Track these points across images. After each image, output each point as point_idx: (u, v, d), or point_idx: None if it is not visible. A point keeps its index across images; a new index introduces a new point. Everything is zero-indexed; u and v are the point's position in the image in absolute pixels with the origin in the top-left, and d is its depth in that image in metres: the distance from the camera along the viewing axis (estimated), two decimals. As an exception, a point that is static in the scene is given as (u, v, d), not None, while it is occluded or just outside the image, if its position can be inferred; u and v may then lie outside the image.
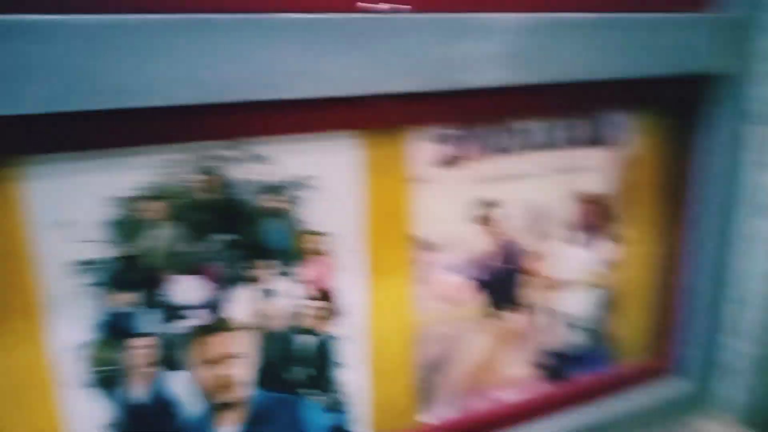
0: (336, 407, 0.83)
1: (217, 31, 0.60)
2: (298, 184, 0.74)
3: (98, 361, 0.69)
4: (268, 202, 0.73)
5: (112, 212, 0.66)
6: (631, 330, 1.05)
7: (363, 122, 0.73)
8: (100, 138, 0.62)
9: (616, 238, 0.98)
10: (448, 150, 0.81)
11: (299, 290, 0.77)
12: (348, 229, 0.78)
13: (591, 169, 0.92)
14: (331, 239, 0.77)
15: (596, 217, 0.94)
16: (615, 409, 1.01)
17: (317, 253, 0.77)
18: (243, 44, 0.61)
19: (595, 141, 0.91)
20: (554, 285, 0.94)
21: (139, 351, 0.70)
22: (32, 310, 0.65)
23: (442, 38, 0.69)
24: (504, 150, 0.84)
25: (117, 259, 0.67)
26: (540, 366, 0.98)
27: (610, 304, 1.01)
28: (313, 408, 0.82)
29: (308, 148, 0.73)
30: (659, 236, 1.02)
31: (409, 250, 0.82)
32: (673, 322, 1.05)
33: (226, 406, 0.76)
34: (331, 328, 0.80)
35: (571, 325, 0.99)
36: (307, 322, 0.79)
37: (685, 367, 1.06)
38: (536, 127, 0.85)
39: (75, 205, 0.64)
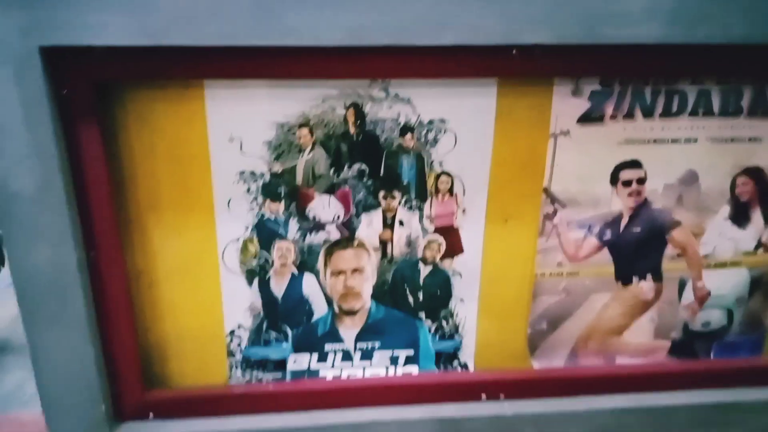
0: (445, 335, 0.91)
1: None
2: (433, 126, 0.79)
3: (249, 255, 0.83)
4: (404, 140, 0.79)
5: (272, 134, 0.78)
6: (788, 323, 0.96)
7: (500, 71, 0.75)
8: (266, 70, 0.73)
9: (783, 221, 0.89)
10: (593, 107, 0.79)
11: (423, 223, 0.84)
12: (476, 173, 0.82)
13: (761, 141, 0.83)
14: (458, 181, 0.82)
15: (759, 194, 0.86)
16: (750, 398, 0.95)
17: (445, 192, 0.82)
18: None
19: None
20: (700, 260, 0.89)
21: (281, 252, 0.83)
22: (206, 207, 0.81)
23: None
24: (655, 112, 0.80)
25: (271, 173, 0.79)
26: (670, 339, 0.95)
27: (766, 289, 0.93)
28: (423, 330, 0.90)
29: (446, 93, 0.77)
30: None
31: (539, 202, 0.84)
32: None
33: (348, 312, 0.88)
34: (447, 263, 0.86)
35: (716, 306, 0.93)
36: (427, 254, 0.86)
37: None
38: (696, 90, 0.80)
39: (244, 125, 0.77)
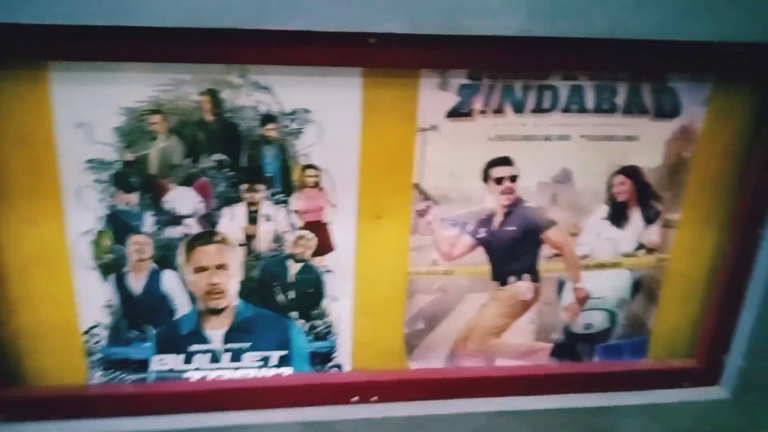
0: (319, 335, 0.87)
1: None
2: (296, 116, 0.75)
3: (103, 250, 0.78)
4: (265, 130, 0.75)
5: (122, 120, 0.73)
6: (671, 324, 0.95)
7: (363, 61, 0.72)
8: (114, 51, 0.69)
9: (662, 221, 0.87)
10: (462, 101, 0.77)
11: (291, 218, 0.80)
12: (344, 167, 0.79)
13: (638, 140, 0.82)
14: (326, 174, 0.79)
15: (638, 194, 0.85)
16: (632, 401, 0.94)
17: (311, 186, 0.79)
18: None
19: (647, 109, 0.80)
20: (577, 261, 0.88)
21: (137, 246, 0.79)
22: (54, 197, 0.75)
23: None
24: (526, 108, 0.78)
25: (123, 162, 0.75)
26: (551, 342, 0.93)
27: (648, 291, 0.92)
28: (296, 330, 0.86)
29: (309, 82, 0.74)
30: (722, 226, 0.89)
31: (409, 198, 0.81)
32: (727, 327, 0.93)
33: (213, 311, 0.84)
34: (318, 260, 0.83)
35: (598, 307, 0.92)
36: (296, 250, 0.82)
37: (740, 381, 0.94)
38: (568, 86, 0.78)
39: (91, 110, 0.72)
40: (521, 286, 0.88)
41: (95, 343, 0.83)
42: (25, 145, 0.72)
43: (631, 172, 0.84)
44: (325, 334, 0.88)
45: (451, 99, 0.77)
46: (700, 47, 0.72)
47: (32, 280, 0.79)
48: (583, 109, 0.79)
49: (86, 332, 0.83)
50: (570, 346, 0.94)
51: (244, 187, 0.78)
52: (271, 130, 0.76)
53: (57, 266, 0.79)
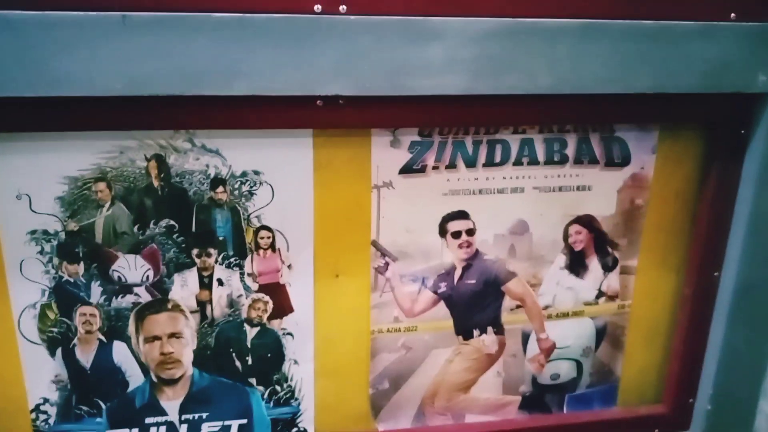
0: (280, 400, 0.84)
1: (153, 28, 0.61)
2: (247, 178, 0.74)
3: (48, 323, 0.75)
4: (215, 193, 0.74)
5: (65, 189, 0.71)
6: (638, 370, 0.94)
7: (312, 122, 0.72)
8: (53, 121, 0.67)
9: (620, 268, 0.87)
10: (414, 158, 0.77)
11: (245, 282, 0.78)
12: (299, 227, 0.77)
13: (591, 189, 0.82)
14: (280, 236, 0.77)
15: (594, 242, 0.85)
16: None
17: (265, 247, 0.77)
18: (177, 41, 0.62)
19: (597, 159, 0.81)
20: (540, 312, 0.87)
21: (85, 318, 0.76)
22: (-3, 270, 0.73)
23: (389, 42, 0.66)
24: (477, 162, 0.78)
25: (67, 232, 0.72)
26: (520, 395, 0.91)
27: (612, 338, 0.91)
28: (255, 397, 0.83)
29: (258, 144, 0.73)
30: (679, 269, 0.89)
31: (367, 255, 0.80)
32: (693, 371, 0.92)
33: (168, 381, 0.80)
34: (277, 323, 0.81)
35: (564, 357, 0.91)
36: (252, 314, 0.80)
37: (709, 425, 0.92)
38: (518, 140, 0.78)
39: (32, 180, 0.70)
40: (486, 340, 0.87)
41: (44, 421, 0.79)
42: (-36, 218, 0.70)
43: (586, 221, 0.84)
44: (286, 400, 0.85)
45: (403, 156, 0.76)
46: (642, 98, 0.73)
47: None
48: (534, 162, 0.79)
49: (34, 410, 0.79)
50: (538, 397, 0.92)
51: (195, 252, 0.76)
52: (221, 194, 0.74)
53: (1, 343, 0.75)
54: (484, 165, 0.78)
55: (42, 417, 0.79)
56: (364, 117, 0.71)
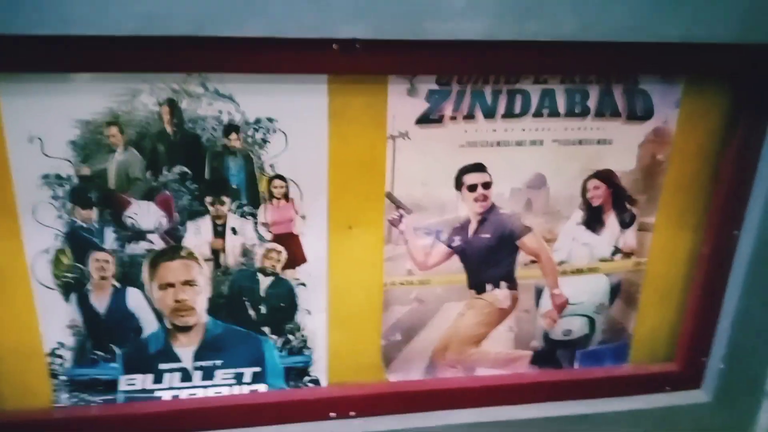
0: (293, 350, 0.85)
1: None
2: (261, 126, 0.73)
3: (62, 268, 0.75)
4: (228, 140, 0.73)
5: (77, 133, 0.70)
6: (651, 328, 0.93)
7: (328, 67, 0.70)
8: (65, 61, 0.66)
9: (638, 225, 0.86)
10: (431, 107, 0.75)
11: (259, 231, 0.78)
12: (313, 176, 0.76)
13: (611, 143, 0.80)
14: (294, 185, 0.76)
15: (613, 198, 0.83)
16: (615, 408, 0.92)
17: (279, 197, 0.77)
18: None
19: (619, 112, 0.79)
20: (554, 267, 0.86)
21: (99, 264, 0.76)
22: (9, 215, 0.72)
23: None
24: (496, 113, 0.76)
25: (80, 177, 0.72)
26: (531, 349, 0.91)
27: (626, 296, 0.90)
28: (269, 345, 0.84)
29: (272, 90, 0.71)
30: (698, 227, 0.88)
31: (382, 208, 0.79)
32: (707, 329, 0.92)
33: (182, 328, 0.81)
34: (290, 273, 0.81)
35: (576, 313, 0.90)
36: (266, 263, 0.80)
37: (721, 383, 0.93)
38: (539, 90, 0.76)
39: (44, 123, 0.69)
40: (498, 294, 0.86)
41: (59, 365, 0.80)
42: (-23, 162, 0.69)
43: (605, 176, 0.82)
44: (299, 349, 0.85)
45: (420, 105, 0.75)
46: (669, 48, 0.71)
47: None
48: (555, 113, 0.77)
49: (50, 354, 0.79)
50: (550, 353, 0.92)
51: (208, 200, 0.75)
52: (234, 141, 0.73)
53: (16, 287, 0.76)
54: (503, 116, 0.76)
55: (58, 361, 0.80)
56: (381, 63, 0.69)
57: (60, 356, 0.80)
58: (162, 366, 0.82)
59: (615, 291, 0.90)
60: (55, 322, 0.78)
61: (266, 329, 0.83)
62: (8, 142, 0.69)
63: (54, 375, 0.81)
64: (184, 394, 0.84)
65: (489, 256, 0.84)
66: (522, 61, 0.71)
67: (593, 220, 0.84)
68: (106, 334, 0.80)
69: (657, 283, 0.91)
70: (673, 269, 0.90)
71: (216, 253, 0.78)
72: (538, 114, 0.77)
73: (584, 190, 0.82)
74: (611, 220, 0.85)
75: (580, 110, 0.78)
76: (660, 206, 0.85)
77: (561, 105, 0.77)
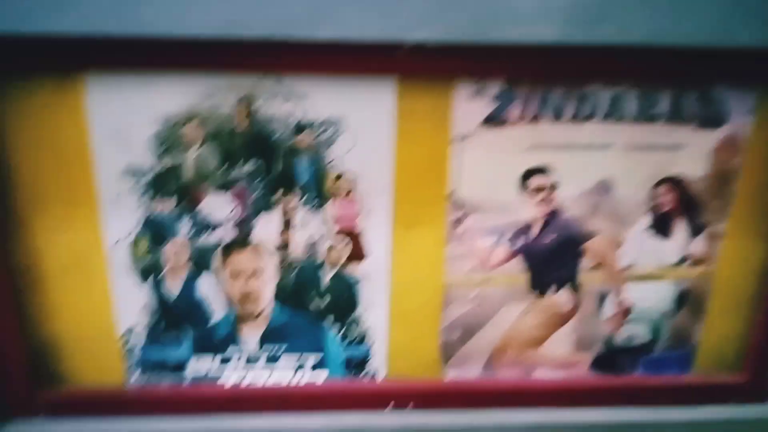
0: (353, 342, 0.87)
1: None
2: (329, 125, 0.75)
3: (140, 254, 0.80)
4: (298, 138, 0.75)
5: (158, 128, 0.74)
6: (718, 337, 0.91)
7: (396, 69, 0.71)
8: (150, 61, 0.70)
9: (707, 232, 0.84)
10: (498, 109, 0.75)
11: (325, 226, 0.80)
12: (378, 175, 0.78)
13: (682, 149, 0.79)
14: (360, 183, 0.78)
15: (682, 204, 0.82)
16: (676, 417, 0.91)
17: (344, 194, 0.79)
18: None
19: (690, 118, 0.77)
20: (619, 273, 0.85)
21: (173, 252, 0.80)
22: (91, 203, 0.77)
23: (480, -13, 0.64)
24: (564, 116, 0.76)
25: (159, 169, 0.76)
26: (591, 354, 0.90)
27: (694, 303, 0.88)
28: (330, 335, 0.86)
29: (343, 90, 0.73)
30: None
31: (444, 207, 0.80)
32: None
33: (249, 315, 0.84)
34: (352, 267, 0.83)
35: (641, 320, 0.89)
36: (331, 257, 0.82)
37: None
38: (609, 94, 0.75)
39: (127, 119, 0.73)
40: (560, 297, 0.86)
41: (133, 345, 0.85)
42: (62, 153, 0.74)
43: (674, 182, 0.80)
44: (360, 342, 0.87)
45: (486, 107, 0.75)
46: (744, 54, 0.68)
47: (70, 286, 0.81)
48: (624, 117, 0.76)
49: (124, 335, 0.85)
50: (611, 358, 0.91)
51: (278, 194, 0.78)
52: (304, 138, 0.76)
53: (94, 271, 0.81)
54: (571, 119, 0.76)
55: (132, 341, 0.85)
56: (450, 66, 0.70)
57: (133, 338, 0.85)
58: (228, 351, 0.86)
59: (682, 298, 0.88)
60: (130, 306, 0.83)
61: (328, 320, 0.86)
62: (93, 136, 0.74)
63: (127, 354, 0.86)
64: (247, 379, 0.88)
65: (552, 259, 0.83)
66: (592, 66, 0.71)
67: (661, 226, 0.83)
68: (177, 318, 0.84)
69: (726, 292, 0.88)
70: (744, 278, 0.87)
71: (283, 245, 0.81)
72: (606, 118, 0.76)
73: (653, 196, 0.81)
74: (680, 226, 0.83)
75: (650, 115, 0.76)
76: (731, 214, 0.83)
77: (631, 109, 0.76)
